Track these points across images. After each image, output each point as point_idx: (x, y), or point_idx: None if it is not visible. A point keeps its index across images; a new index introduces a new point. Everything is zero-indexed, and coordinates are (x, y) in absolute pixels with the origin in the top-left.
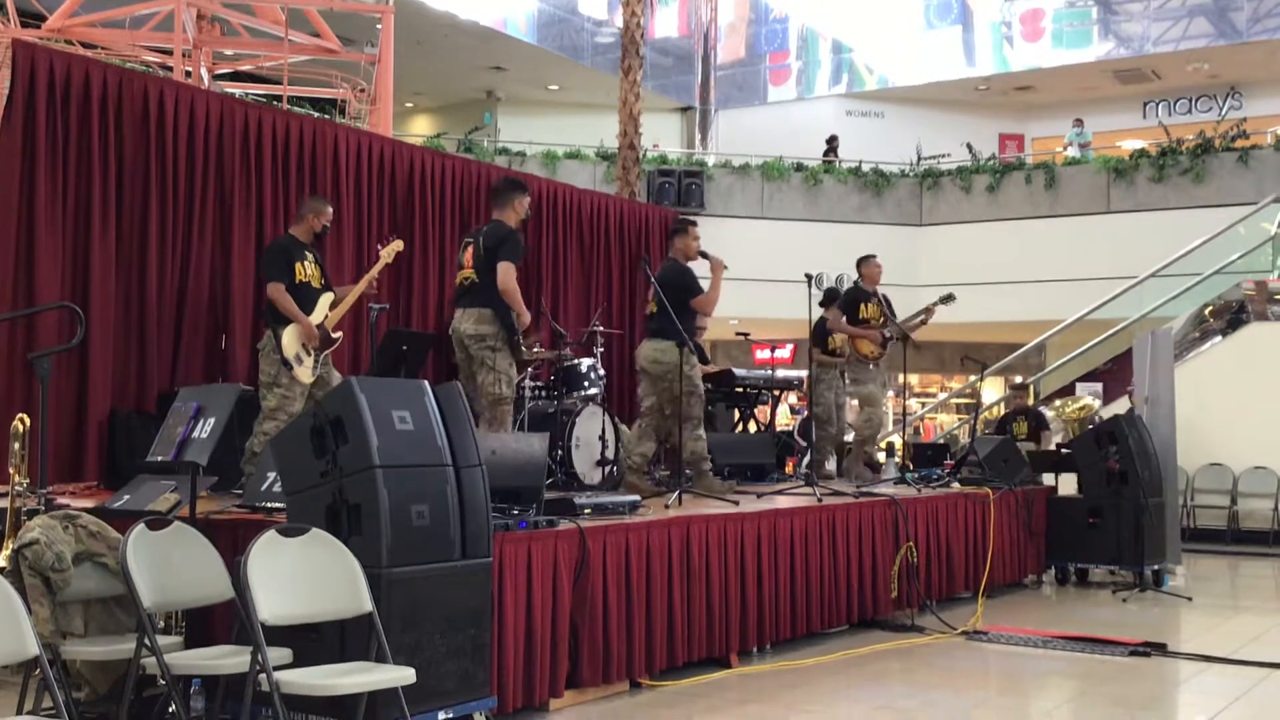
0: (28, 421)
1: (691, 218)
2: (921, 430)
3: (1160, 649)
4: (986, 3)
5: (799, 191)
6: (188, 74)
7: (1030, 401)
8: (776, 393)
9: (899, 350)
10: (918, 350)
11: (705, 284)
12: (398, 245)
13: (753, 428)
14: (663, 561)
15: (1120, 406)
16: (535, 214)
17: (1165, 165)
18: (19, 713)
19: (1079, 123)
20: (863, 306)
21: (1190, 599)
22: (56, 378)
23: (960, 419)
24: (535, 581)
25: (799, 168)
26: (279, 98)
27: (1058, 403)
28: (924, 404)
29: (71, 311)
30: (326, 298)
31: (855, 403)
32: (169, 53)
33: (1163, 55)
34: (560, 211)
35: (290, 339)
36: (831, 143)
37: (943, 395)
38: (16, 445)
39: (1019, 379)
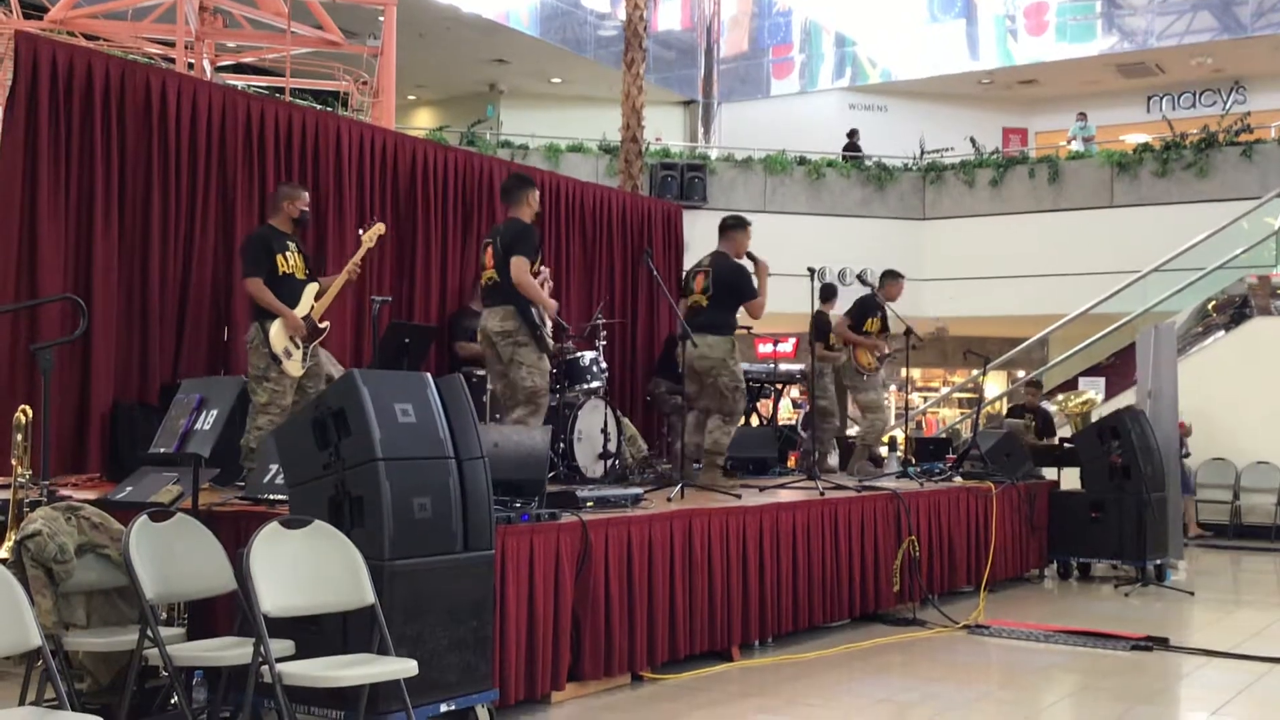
0: (30, 413)
1: (746, 217)
2: (924, 424)
3: (1162, 643)
4: None
5: (802, 185)
6: (190, 66)
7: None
8: (779, 386)
9: (901, 345)
10: (920, 344)
11: None
12: (379, 229)
13: (755, 421)
14: (665, 554)
15: (1122, 401)
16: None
17: (1169, 160)
18: (22, 703)
19: (1083, 117)
20: (870, 320)
21: (1192, 594)
22: (59, 369)
23: (962, 413)
24: (537, 574)
25: (802, 161)
26: (281, 90)
27: (1060, 397)
28: (926, 398)
29: (74, 303)
30: (311, 288)
31: (856, 409)
32: (171, 45)
33: (1166, 49)
34: (563, 205)
35: (278, 333)
36: (852, 136)
37: (945, 389)
38: (19, 437)
39: (1022, 373)
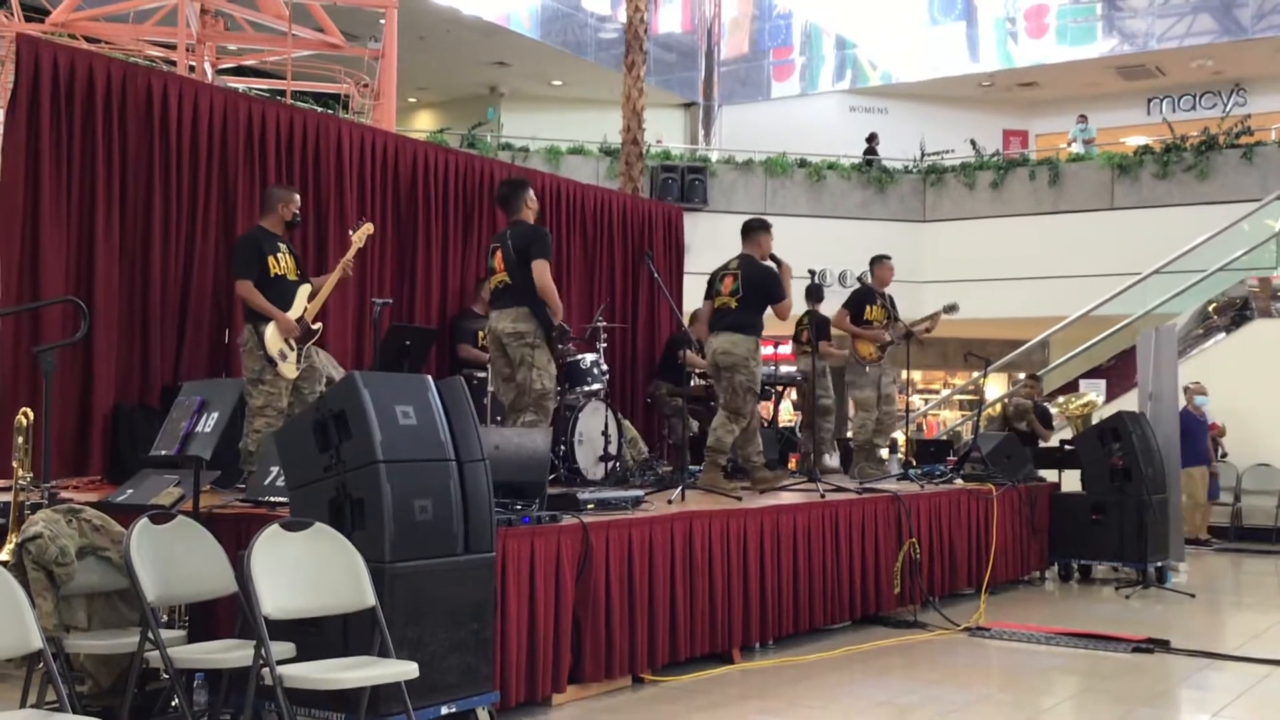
0: (31, 415)
1: (768, 219)
2: (924, 426)
3: (1163, 645)
4: None
5: (802, 187)
6: (191, 69)
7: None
8: (779, 388)
9: (902, 347)
10: (921, 346)
11: None
12: (368, 228)
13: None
14: (665, 557)
15: (1123, 403)
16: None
17: (1169, 162)
18: (22, 706)
19: (1083, 119)
20: (869, 308)
21: (1193, 596)
22: (60, 372)
23: (963, 415)
24: (538, 576)
25: (802, 164)
26: (282, 93)
27: (1061, 399)
28: (927, 400)
29: (75, 306)
30: (304, 290)
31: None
32: (172, 47)
33: (1167, 51)
34: (563, 207)
35: (273, 336)
36: (871, 141)
37: (946, 391)
38: (20, 439)
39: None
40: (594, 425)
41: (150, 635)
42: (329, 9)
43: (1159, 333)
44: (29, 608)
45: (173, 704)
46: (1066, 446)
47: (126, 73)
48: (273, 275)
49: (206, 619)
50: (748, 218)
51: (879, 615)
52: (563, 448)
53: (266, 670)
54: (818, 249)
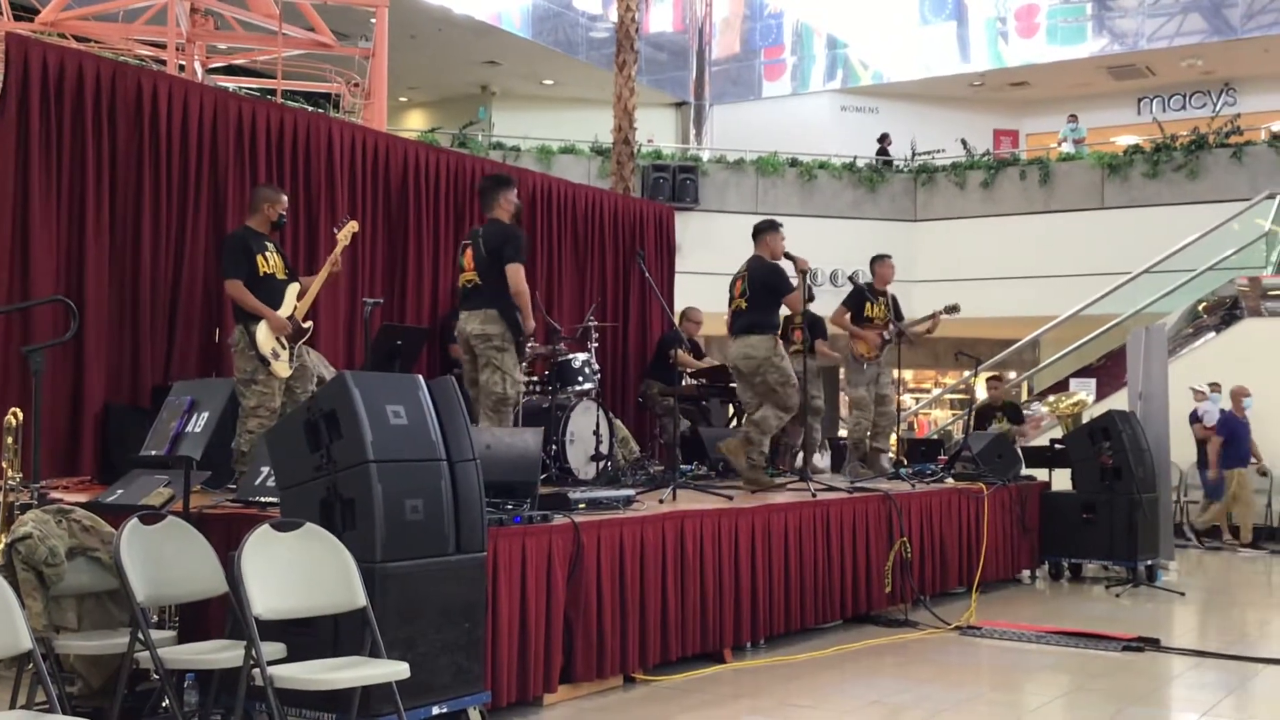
0: (21, 415)
1: (777, 219)
2: (916, 426)
3: (1153, 644)
4: None
5: (793, 187)
6: (181, 68)
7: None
8: None
9: (893, 346)
10: (912, 346)
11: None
12: (352, 226)
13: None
14: (657, 556)
15: (1113, 402)
16: (529, 209)
17: (1159, 161)
18: (12, 707)
19: (1073, 118)
20: (869, 305)
21: (1183, 594)
22: (50, 371)
23: (954, 414)
24: (529, 576)
25: (794, 163)
26: (273, 92)
27: (1051, 398)
28: (918, 400)
29: (65, 305)
30: (293, 288)
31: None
32: (162, 46)
33: (1157, 51)
34: (555, 206)
35: (265, 335)
36: (883, 141)
37: (937, 391)
38: (10, 439)
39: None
40: (585, 424)
41: (140, 636)
42: (320, 8)
43: (1149, 332)
44: (19, 608)
45: (163, 705)
46: (1057, 445)
47: (116, 72)
48: (262, 274)
49: (197, 619)
50: (756, 220)
51: (870, 614)
52: (554, 447)
53: (257, 671)
54: (809, 248)
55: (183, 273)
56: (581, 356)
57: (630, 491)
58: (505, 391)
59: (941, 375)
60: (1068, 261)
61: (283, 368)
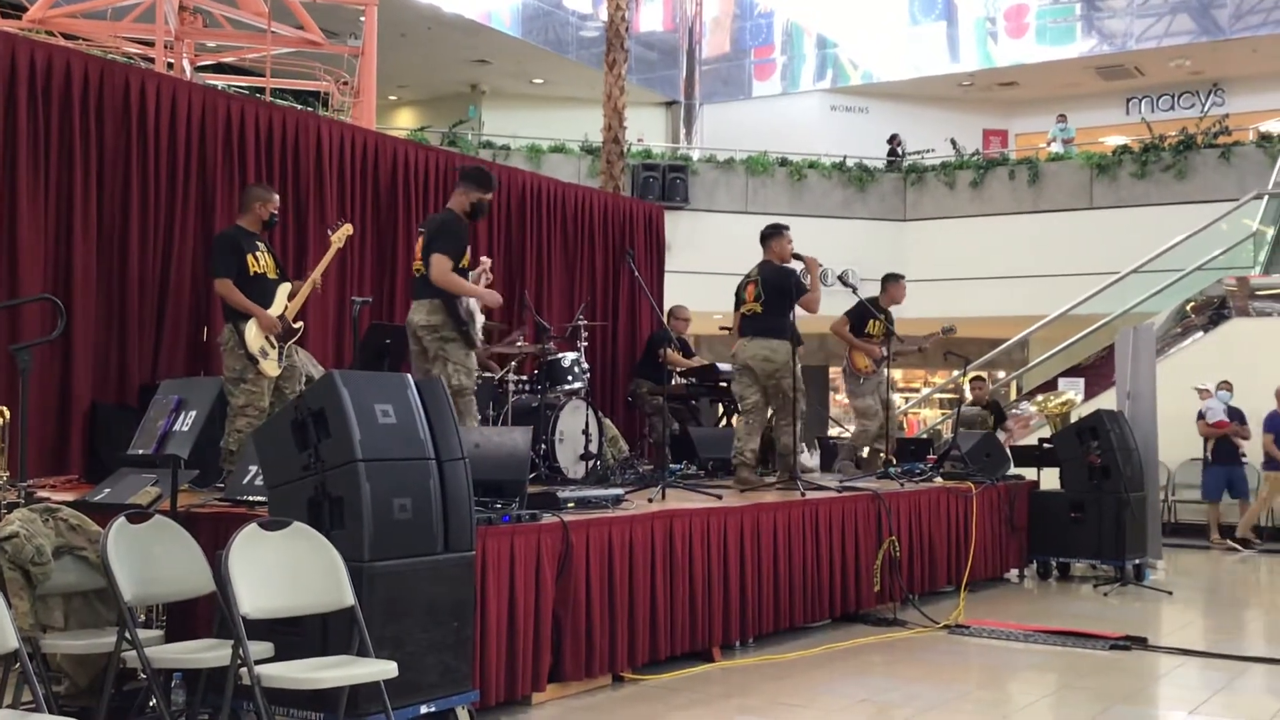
0: (8, 414)
1: (782, 222)
2: (904, 425)
3: (1141, 643)
4: None
5: (783, 186)
6: (169, 66)
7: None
8: None
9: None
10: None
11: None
12: (347, 229)
13: (736, 421)
14: (645, 555)
15: (1101, 402)
16: (519, 208)
17: (1148, 161)
18: None
19: (1062, 118)
20: (872, 322)
21: (1171, 593)
22: (38, 370)
23: (943, 414)
24: (518, 575)
25: (783, 162)
26: (261, 90)
27: (1040, 398)
28: (907, 399)
29: (53, 304)
30: (284, 288)
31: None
32: (151, 44)
33: (1145, 51)
34: (544, 206)
35: (254, 334)
36: (893, 141)
37: (926, 390)
38: None
39: (1002, 373)
40: (575, 423)
41: (127, 635)
42: (309, 6)
43: (1137, 332)
44: (5, 608)
45: (150, 704)
46: (1045, 445)
47: (104, 70)
48: (252, 274)
49: (184, 619)
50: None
51: (859, 613)
52: (543, 446)
53: (244, 670)
54: (799, 248)
55: (170, 271)
56: (571, 355)
57: (619, 490)
58: (462, 383)
59: (930, 375)
60: (1056, 261)
61: (271, 366)
